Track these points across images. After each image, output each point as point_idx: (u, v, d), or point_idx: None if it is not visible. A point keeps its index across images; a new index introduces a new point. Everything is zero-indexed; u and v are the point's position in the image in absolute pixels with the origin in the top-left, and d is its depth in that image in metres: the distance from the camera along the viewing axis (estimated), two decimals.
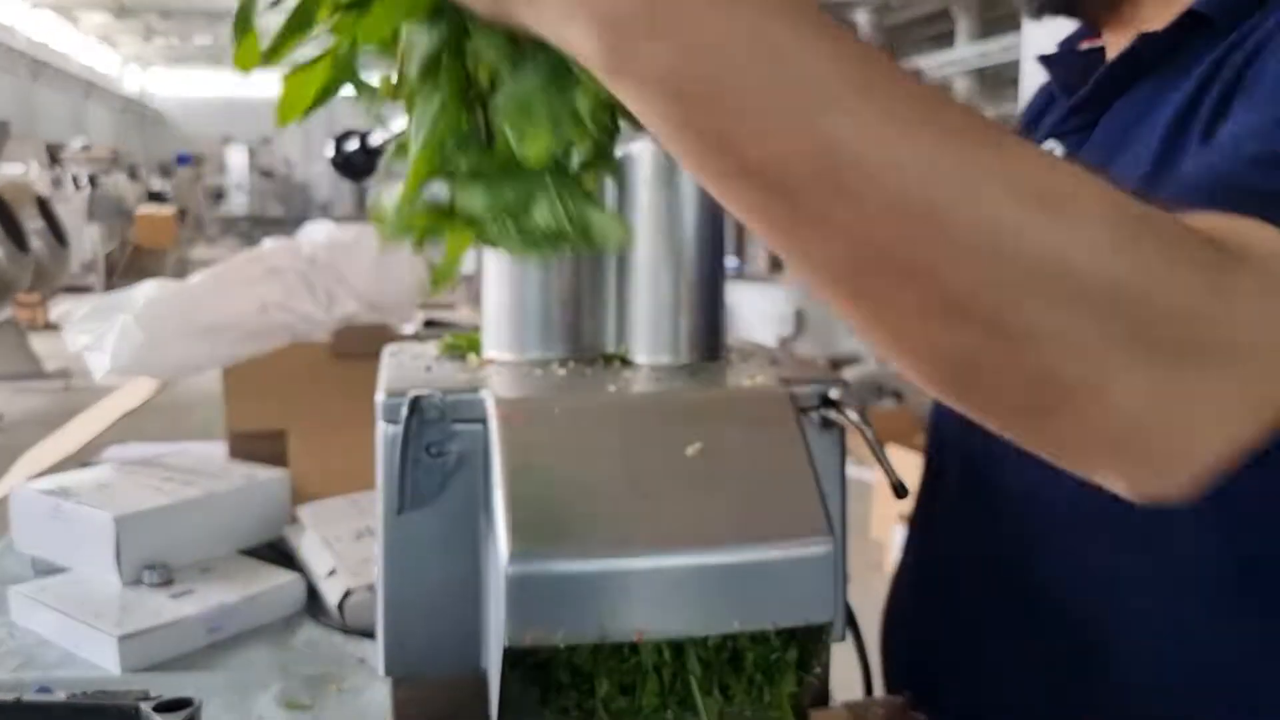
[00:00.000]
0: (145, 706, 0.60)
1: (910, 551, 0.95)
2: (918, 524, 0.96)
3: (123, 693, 0.63)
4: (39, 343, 7.93)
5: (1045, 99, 0.93)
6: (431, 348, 0.83)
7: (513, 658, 0.62)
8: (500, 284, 0.76)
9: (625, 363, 0.75)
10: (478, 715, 0.68)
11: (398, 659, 0.70)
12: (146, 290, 1.49)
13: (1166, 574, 0.73)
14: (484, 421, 0.66)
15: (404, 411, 0.65)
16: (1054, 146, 0.81)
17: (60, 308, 1.73)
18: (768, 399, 0.68)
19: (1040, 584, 0.81)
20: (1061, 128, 0.82)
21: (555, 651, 0.65)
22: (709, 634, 0.61)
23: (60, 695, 0.64)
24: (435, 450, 0.66)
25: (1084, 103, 0.80)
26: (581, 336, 0.75)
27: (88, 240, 11.54)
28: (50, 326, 9.14)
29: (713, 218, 0.75)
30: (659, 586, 0.59)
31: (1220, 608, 0.72)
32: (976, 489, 0.86)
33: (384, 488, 0.67)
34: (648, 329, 0.75)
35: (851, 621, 0.77)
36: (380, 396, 0.67)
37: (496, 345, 0.76)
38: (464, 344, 0.81)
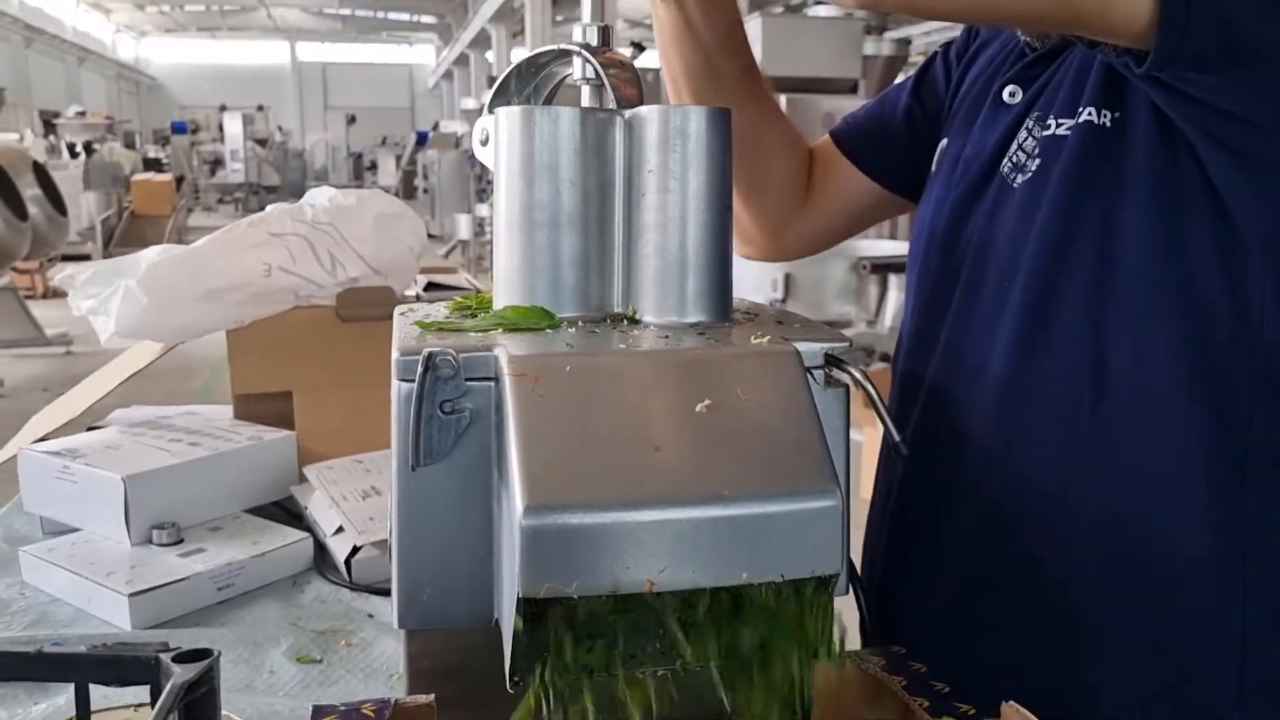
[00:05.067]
0: (165, 657, 0.61)
1: (877, 491, 0.98)
2: (881, 467, 0.98)
3: (142, 644, 0.64)
4: (39, 310, 7.93)
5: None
6: (442, 308, 0.83)
7: (528, 611, 0.63)
8: (510, 245, 0.76)
9: (634, 322, 0.76)
10: (490, 667, 0.70)
11: (411, 611, 0.71)
12: (150, 255, 1.49)
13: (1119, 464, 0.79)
14: (497, 379, 0.67)
15: (418, 369, 0.66)
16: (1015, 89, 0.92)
17: (62, 273, 1.73)
18: (774, 357, 0.69)
19: (991, 499, 0.83)
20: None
21: (569, 604, 0.66)
22: (718, 585, 0.62)
23: (81, 647, 0.65)
24: (449, 407, 0.67)
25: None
26: (590, 297, 0.76)
27: (85, 207, 11.50)
28: (50, 294, 9.14)
29: (720, 179, 0.75)
30: (670, 539, 0.60)
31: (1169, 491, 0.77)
32: (932, 423, 0.89)
33: (398, 444, 0.68)
34: (656, 289, 0.75)
35: (853, 576, 0.79)
36: (395, 355, 0.68)
37: (507, 305, 0.77)
38: (475, 305, 0.82)
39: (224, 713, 0.87)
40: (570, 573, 0.59)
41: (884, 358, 5.57)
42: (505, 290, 0.77)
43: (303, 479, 1.37)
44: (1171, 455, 0.76)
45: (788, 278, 4.98)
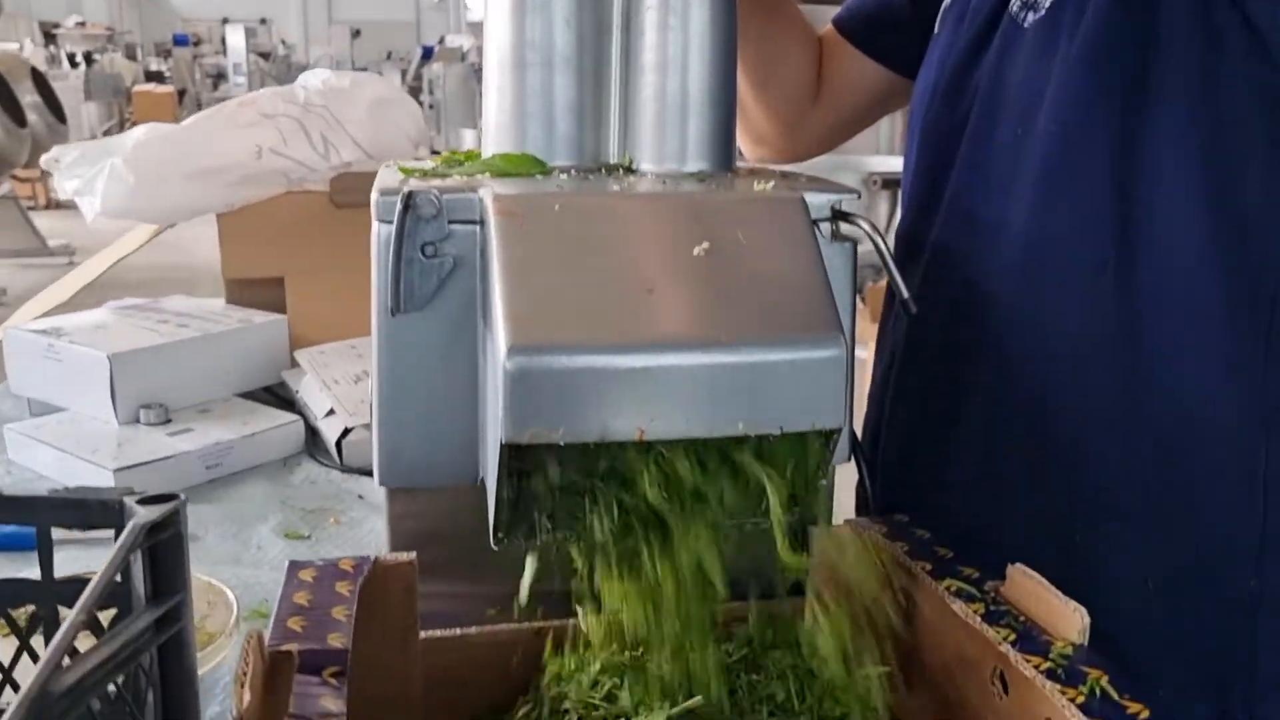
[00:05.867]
0: (129, 500, 0.58)
1: (878, 363, 0.94)
2: (884, 334, 0.94)
3: (107, 489, 0.61)
4: (41, 221, 7.87)
5: None
6: (429, 162, 0.79)
7: (513, 464, 0.60)
8: (501, 90, 0.72)
9: (630, 171, 0.72)
10: (474, 529, 0.67)
11: (393, 469, 0.68)
12: (136, 134, 1.44)
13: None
14: (482, 223, 0.63)
15: (397, 208, 0.62)
16: None
17: (49, 153, 1.66)
18: (779, 203, 0.65)
19: (1000, 360, 0.80)
20: None
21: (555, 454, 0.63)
22: (713, 435, 0.58)
23: (42, 491, 0.63)
24: (430, 250, 0.63)
25: None
26: (584, 144, 0.72)
27: (85, 118, 11.35)
28: (52, 205, 9.07)
29: (724, 16, 0.70)
30: (663, 385, 0.56)
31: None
32: (936, 283, 0.84)
33: (378, 289, 0.64)
34: (654, 135, 0.71)
35: (855, 444, 0.75)
36: (374, 196, 0.64)
37: (496, 153, 0.73)
38: (463, 158, 0.78)
39: (208, 580, 0.85)
40: (556, 418, 0.56)
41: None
42: (494, 138, 0.73)
43: (294, 364, 1.34)
44: (1197, 314, 0.72)
45: None
